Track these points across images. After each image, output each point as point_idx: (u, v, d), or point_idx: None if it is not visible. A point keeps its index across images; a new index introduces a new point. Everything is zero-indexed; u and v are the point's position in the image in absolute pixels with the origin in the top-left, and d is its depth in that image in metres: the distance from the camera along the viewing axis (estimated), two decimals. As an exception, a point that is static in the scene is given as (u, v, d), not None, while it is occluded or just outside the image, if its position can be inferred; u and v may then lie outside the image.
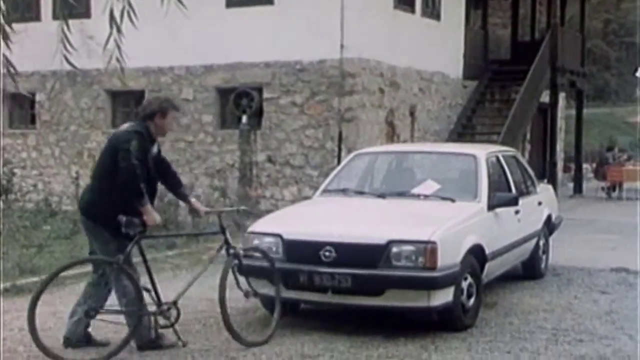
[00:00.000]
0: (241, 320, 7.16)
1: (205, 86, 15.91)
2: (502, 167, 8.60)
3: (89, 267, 6.63)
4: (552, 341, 6.52)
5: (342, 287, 6.49)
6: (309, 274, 6.56)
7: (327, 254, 6.55)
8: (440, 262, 6.44)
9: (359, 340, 6.48)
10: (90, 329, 6.25)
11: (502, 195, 7.92)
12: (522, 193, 8.68)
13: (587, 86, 25.91)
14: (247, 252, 6.70)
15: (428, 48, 17.05)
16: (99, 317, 6.01)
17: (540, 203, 9.43)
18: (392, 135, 15.95)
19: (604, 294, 8.46)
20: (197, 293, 7.28)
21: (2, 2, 4.62)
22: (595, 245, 12.16)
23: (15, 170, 16.38)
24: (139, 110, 6.42)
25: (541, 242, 9.32)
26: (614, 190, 21.93)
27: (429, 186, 7.84)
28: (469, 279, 6.90)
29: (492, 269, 7.56)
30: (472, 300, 6.95)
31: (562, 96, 23.28)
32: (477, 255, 7.07)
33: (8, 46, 4.60)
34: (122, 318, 6.11)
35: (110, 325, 6.23)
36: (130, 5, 4.88)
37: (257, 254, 6.73)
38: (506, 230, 7.93)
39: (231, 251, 6.41)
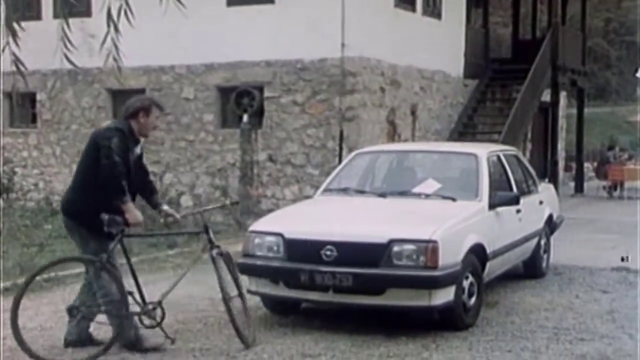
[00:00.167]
0: (242, 319, 7.15)
1: (206, 85, 15.90)
2: (503, 166, 8.60)
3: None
4: (553, 340, 6.52)
5: (343, 286, 6.49)
6: (310, 273, 6.56)
7: (328, 253, 6.55)
8: (441, 261, 6.43)
9: (360, 339, 6.48)
10: (91, 329, 6.24)
11: (503, 194, 7.91)
12: (523, 192, 8.67)
13: (588, 85, 25.89)
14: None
15: (429, 47, 17.03)
16: (79, 316, 5.94)
17: (541, 202, 9.43)
18: (393, 135, 15.94)
19: (605, 293, 8.46)
20: (198, 292, 7.30)
21: (2, 1, 4.62)
22: (596, 244, 12.16)
23: (16, 169, 16.42)
24: (123, 109, 6.35)
25: (542, 241, 9.32)
26: (615, 189, 21.92)
27: (430, 185, 7.83)
28: (470, 278, 6.89)
29: (493, 268, 7.55)
30: (473, 300, 6.95)
31: (563, 95, 23.26)
32: (478, 255, 7.06)
33: (17, 44, 4.59)
34: (105, 318, 6.05)
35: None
36: (127, 4, 4.88)
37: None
38: (507, 229, 7.92)
39: (215, 250, 6.32)
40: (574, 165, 23.89)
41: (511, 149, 10.02)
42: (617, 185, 21.95)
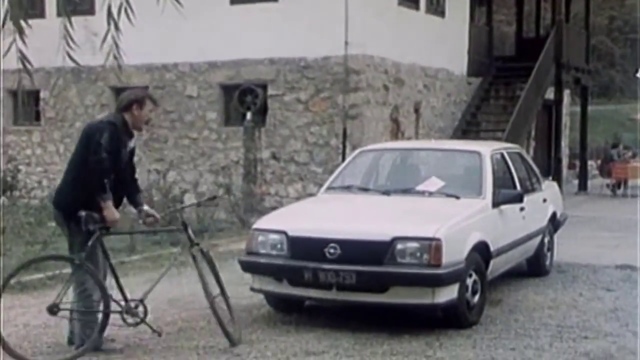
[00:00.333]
0: (246, 317, 7.17)
1: (210, 83, 15.90)
2: (506, 164, 8.59)
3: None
4: (557, 338, 6.52)
5: (347, 284, 6.49)
6: (313, 271, 6.56)
7: (331, 250, 6.54)
8: (444, 259, 6.43)
9: (364, 337, 6.47)
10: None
11: (507, 192, 7.90)
12: (526, 190, 8.66)
13: (591, 83, 25.86)
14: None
15: (432, 45, 17.02)
16: (60, 314, 5.87)
17: (545, 200, 9.42)
18: (396, 132, 15.93)
19: (608, 291, 8.45)
20: (202, 290, 7.28)
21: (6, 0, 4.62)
22: (599, 242, 12.14)
23: (20, 167, 16.43)
24: (117, 102, 6.33)
25: (546, 239, 9.30)
26: (619, 187, 21.90)
27: (434, 183, 7.83)
28: (474, 276, 6.89)
29: (496, 266, 7.55)
30: (476, 297, 6.94)
31: (566, 93, 23.23)
32: (481, 252, 7.06)
33: (23, 41, 4.60)
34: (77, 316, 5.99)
35: (117, 323, 6.19)
36: (127, 2, 4.88)
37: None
38: (511, 227, 7.91)
39: (195, 248, 6.30)
40: (577, 163, 23.88)
41: (515, 147, 10.00)
42: (621, 183, 21.93)
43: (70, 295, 5.99)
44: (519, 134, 17.52)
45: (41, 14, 16.44)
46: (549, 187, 10.11)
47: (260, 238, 7.01)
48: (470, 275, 6.84)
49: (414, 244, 6.47)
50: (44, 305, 5.83)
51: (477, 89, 19.51)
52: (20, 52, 4.58)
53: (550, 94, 20.32)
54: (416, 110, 16.72)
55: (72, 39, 4.89)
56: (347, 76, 14.66)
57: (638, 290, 8.40)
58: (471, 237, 6.88)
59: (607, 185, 21.96)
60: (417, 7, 16.66)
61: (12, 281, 8.20)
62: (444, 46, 17.60)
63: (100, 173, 5.80)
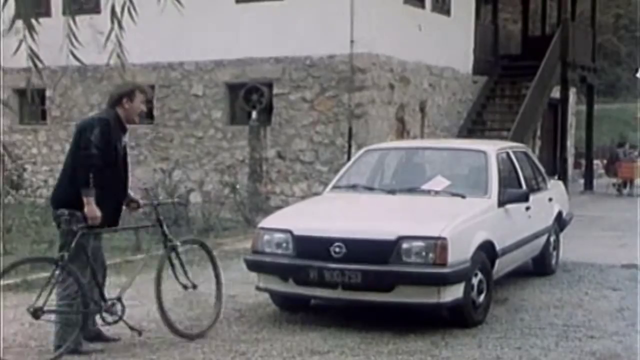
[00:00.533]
0: (251, 316, 7.17)
1: (215, 82, 15.92)
2: (512, 163, 8.58)
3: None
4: (563, 337, 6.51)
5: (352, 283, 6.49)
6: (319, 270, 6.56)
7: (337, 249, 6.54)
8: (450, 258, 6.43)
9: (369, 336, 6.47)
10: (99, 325, 6.25)
11: (513, 191, 7.89)
12: (532, 189, 8.65)
13: (597, 81, 25.78)
14: (184, 243, 6.74)
15: (438, 43, 17.00)
16: (44, 317, 5.83)
17: (550, 199, 9.40)
18: (402, 131, 15.92)
19: (614, 290, 8.43)
20: (206, 289, 7.27)
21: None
22: (605, 241, 12.12)
23: (26, 166, 16.44)
24: (108, 99, 6.34)
25: (552, 239, 9.29)
26: (625, 186, 21.84)
27: (439, 182, 7.82)
28: (480, 275, 6.88)
29: (502, 265, 7.54)
30: (482, 297, 6.94)
31: (572, 92, 23.19)
32: (487, 252, 7.05)
33: (33, 39, 4.59)
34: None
35: (121, 321, 6.20)
36: (131, 1, 4.87)
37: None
38: (517, 226, 7.90)
39: (168, 244, 6.34)
40: (583, 162, 23.81)
41: (520, 146, 9.99)
42: (627, 183, 21.87)
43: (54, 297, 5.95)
44: (525, 133, 17.50)
45: (47, 13, 16.46)
46: (554, 186, 10.09)
47: (266, 237, 7.02)
48: (476, 275, 6.83)
49: (420, 243, 6.46)
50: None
51: (483, 88, 19.49)
52: (31, 49, 4.57)
53: (556, 93, 20.28)
54: (422, 109, 16.71)
55: (76, 38, 4.87)
56: (353, 75, 14.66)
57: (644, 289, 8.40)
58: (477, 237, 6.87)
59: (613, 185, 21.90)
60: (422, 6, 16.65)
61: (19, 280, 8.28)
62: (449, 44, 17.59)
63: (87, 168, 5.78)
